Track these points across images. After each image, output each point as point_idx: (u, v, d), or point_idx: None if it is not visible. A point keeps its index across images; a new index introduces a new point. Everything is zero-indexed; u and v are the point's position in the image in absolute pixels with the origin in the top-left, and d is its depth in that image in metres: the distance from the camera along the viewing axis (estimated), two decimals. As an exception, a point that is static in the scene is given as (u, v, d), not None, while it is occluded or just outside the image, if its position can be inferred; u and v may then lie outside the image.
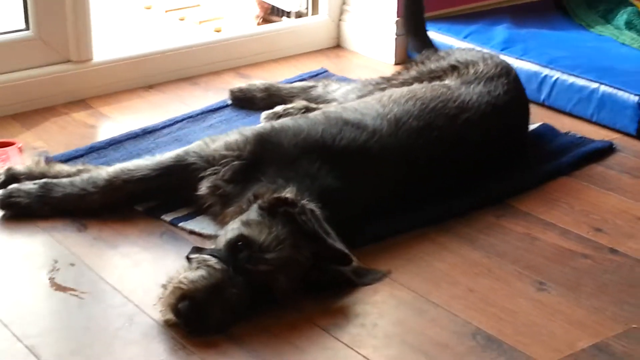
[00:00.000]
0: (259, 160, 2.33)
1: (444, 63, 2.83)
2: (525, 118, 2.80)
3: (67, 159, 2.72)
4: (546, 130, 2.95)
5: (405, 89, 2.67)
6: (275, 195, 2.14)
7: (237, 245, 2.04)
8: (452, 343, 1.97)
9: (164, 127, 2.95)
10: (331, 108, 2.66)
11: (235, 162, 2.34)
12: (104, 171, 2.46)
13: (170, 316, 1.99)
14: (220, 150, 2.39)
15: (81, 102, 3.18)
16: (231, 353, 1.93)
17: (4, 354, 1.91)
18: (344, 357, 1.92)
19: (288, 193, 2.14)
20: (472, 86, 2.67)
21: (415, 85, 2.71)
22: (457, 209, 2.48)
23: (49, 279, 2.17)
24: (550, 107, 3.15)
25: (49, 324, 2.03)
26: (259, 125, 2.46)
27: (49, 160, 2.61)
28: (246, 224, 2.08)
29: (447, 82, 2.71)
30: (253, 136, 2.38)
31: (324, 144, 2.36)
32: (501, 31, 3.46)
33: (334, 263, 2.13)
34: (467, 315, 2.06)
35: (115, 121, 3.04)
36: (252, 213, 2.12)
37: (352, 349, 1.95)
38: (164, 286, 2.02)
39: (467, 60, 2.80)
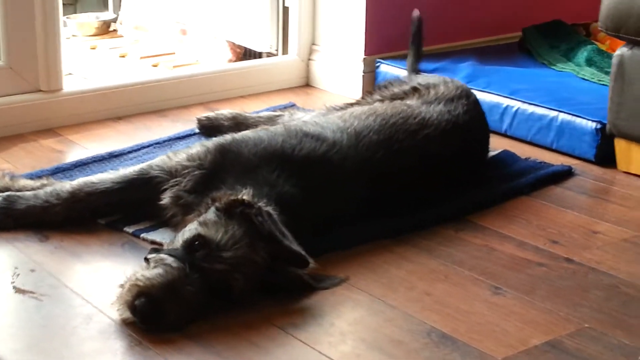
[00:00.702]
0: (220, 169, 2.37)
1: (405, 86, 2.90)
2: (484, 138, 2.86)
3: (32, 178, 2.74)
4: (507, 156, 3.01)
5: (366, 107, 2.74)
6: (232, 197, 2.17)
7: (194, 244, 2.07)
8: (407, 340, 1.99)
9: (130, 152, 2.99)
10: (292, 122, 2.71)
11: (197, 172, 2.38)
12: (67, 184, 2.49)
13: (127, 314, 2.00)
14: (182, 162, 2.43)
15: (50, 131, 3.22)
16: (188, 350, 1.94)
17: (-40, 349, 1.91)
18: (301, 354, 1.94)
19: (245, 195, 2.18)
20: (432, 106, 2.73)
21: (377, 104, 2.77)
22: (416, 223, 2.51)
23: (10, 282, 2.18)
24: (511, 137, 3.22)
25: (7, 321, 2.04)
26: (220, 137, 2.50)
27: (13, 177, 2.63)
28: (203, 224, 2.11)
29: (408, 102, 2.77)
30: (214, 146, 2.42)
31: (284, 153, 2.40)
32: (466, 67, 3.54)
33: (291, 265, 2.15)
34: (423, 315, 2.09)
35: (83, 147, 3.08)
36: (210, 214, 2.15)
37: (308, 345, 1.96)
38: (122, 285, 2.04)
39: (429, 83, 2.87)
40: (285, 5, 3.85)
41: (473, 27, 3.96)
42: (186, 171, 2.40)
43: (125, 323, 2.00)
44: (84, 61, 4.28)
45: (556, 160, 3.01)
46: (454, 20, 3.89)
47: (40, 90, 3.25)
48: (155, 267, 2.03)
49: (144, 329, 1.98)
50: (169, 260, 2.03)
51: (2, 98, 3.18)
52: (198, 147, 2.48)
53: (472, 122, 2.79)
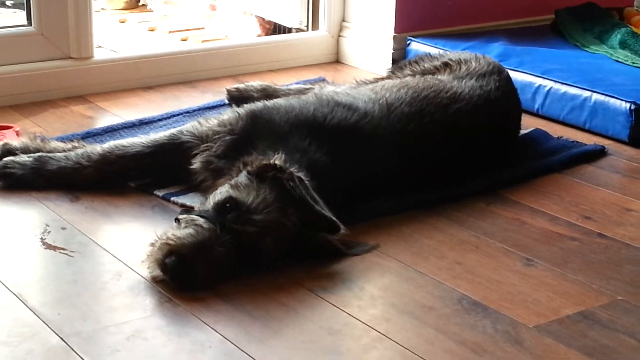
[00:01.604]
0: (251, 135, 2.35)
1: (437, 62, 2.88)
2: (516, 114, 2.84)
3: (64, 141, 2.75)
4: (539, 135, 2.98)
5: (397, 80, 2.72)
6: (264, 161, 2.16)
7: (225, 206, 2.06)
8: (438, 306, 1.97)
9: (160, 120, 2.99)
10: (324, 91, 2.70)
11: (227, 137, 2.37)
12: (98, 147, 2.49)
13: (157, 272, 2.00)
14: (213, 127, 2.42)
15: (80, 97, 3.22)
16: (217, 307, 1.93)
17: (-8, 300, 1.92)
18: (330, 316, 1.93)
19: (277, 160, 2.16)
20: (464, 80, 2.71)
21: (408, 78, 2.75)
22: (447, 195, 2.50)
23: (40, 239, 2.18)
24: (543, 116, 3.19)
25: (38, 275, 2.04)
26: (251, 104, 2.49)
27: (44, 139, 2.63)
28: (235, 187, 2.10)
29: (439, 77, 2.75)
30: (245, 113, 2.41)
31: (315, 121, 2.38)
32: (497, 47, 3.51)
33: (322, 230, 2.14)
34: (453, 283, 2.07)
35: (113, 114, 3.08)
36: (241, 177, 2.14)
37: (338, 307, 1.95)
38: (152, 244, 2.03)
39: (460, 59, 2.85)
40: (315, -9, 3.84)
41: (504, 9, 3.92)
42: (217, 136, 2.39)
43: (155, 281, 2.00)
44: (113, 34, 4.28)
45: (589, 140, 2.98)
46: (486, 1, 3.86)
47: (71, 58, 3.25)
48: (186, 227, 2.03)
49: (174, 287, 1.97)
50: (200, 220, 2.02)
51: (33, 64, 3.18)
52: (229, 113, 2.47)
53: (504, 98, 2.76)
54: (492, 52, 3.44)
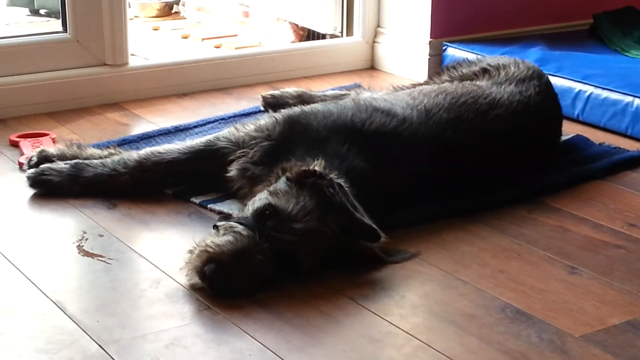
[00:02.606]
0: (288, 141, 2.33)
1: (475, 67, 2.84)
2: (557, 120, 2.79)
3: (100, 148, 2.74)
4: (580, 141, 2.93)
5: (435, 85, 2.68)
6: (304, 167, 2.13)
7: (265, 213, 2.03)
8: (480, 314, 1.93)
9: (195, 126, 2.98)
10: (361, 96, 2.66)
11: (265, 143, 2.34)
12: (134, 154, 2.47)
13: (196, 280, 1.97)
14: (250, 133, 2.40)
15: (115, 105, 3.21)
16: (256, 316, 1.90)
17: (32, 308, 1.91)
18: (370, 324, 1.89)
19: (316, 166, 2.13)
20: (503, 86, 2.67)
21: (446, 84, 2.71)
22: (488, 202, 2.45)
23: (77, 246, 2.17)
24: (584, 122, 3.14)
25: (76, 283, 2.03)
26: (288, 109, 2.46)
27: (80, 146, 2.62)
28: (274, 193, 2.07)
29: (478, 82, 2.71)
30: (283, 118, 2.39)
31: (354, 127, 2.35)
32: (535, 52, 3.46)
33: (362, 238, 2.11)
34: (496, 292, 2.03)
35: (148, 121, 3.07)
36: (280, 184, 2.11)
37: (378, 316, 1.92)
38: (191, 251, 2.01)
39: (499, 64, 2.81)
40: (351, -6, 3.81)
41: (542, 13, 3.87)
42: (254, 142, 2.37)
43: (193, 288, 1.97)
44: (147, 42, 4.28)
45: (631, 146, 2.92)
46: (523, 6, 3.82)
47: (106, 64, 3.24)
48: (224, 234, 2.00)
49: (213, 295, 1.94)
50: (239, 228, 2.00)
51: (68, 71, 3.18)
52: (266, 118, 2.44)
53: (544, 104, 2.72)
54: (530, 57, 3.38)
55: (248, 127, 2.44)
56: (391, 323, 1.89)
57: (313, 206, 2.05)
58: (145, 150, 2.48)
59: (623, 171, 2.74)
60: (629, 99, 3.02)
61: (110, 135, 2.89)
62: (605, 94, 3.09)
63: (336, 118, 2.37)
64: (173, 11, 4.86)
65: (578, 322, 1.92)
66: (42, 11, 5.74)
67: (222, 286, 1.94)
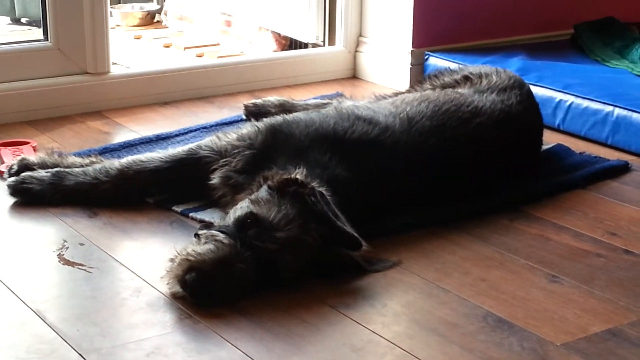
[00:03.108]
0: (270, 150, 2.33)
1: (456, 76, 2.85)
2: (538, 129, 2.80)
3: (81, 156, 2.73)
4: (561, 150, 2.94)
5: (417, 93, 2.69)
6: (285, 176, 2.13)
7: (246, 222, 2.03)
8: (462, 323, 1.94)
9: (177, 135, 2.97)
10: (343, 105, 2.67)
11: (247, 152, 2.34)
12: (116, 162, 2.46)
13: (177, 288, 1.96)
14: (232, 142, 2.39)
15: (97, 113, 3.20)
16: (238, 324, 1.90)
17: (12, 316, 1.90)
18: (353, 333, 1.89)
19: (298, 174, 2.13)
20: (485, 95, 2.68)
21: (428, 92, 2.72)
22: (469, 211, 2.46)
23: (58, 255, 2.16)
24: (565, 132, 3.15)
25: (56, 292, 2.02)
26: (270, 118, 2.46)
27: (62, 154, 2.61)
28: (255, 202, 2.07)
29: (460, 90, 2.72)
30: (265, 127, 2.39)
31: (336, 135, 2.35)
32: (516, 61, 3.48)
33: (343, 246, 2.11)
34: (478, 300, 2.03)
35: (130, 130, 3.06)
36: (262, 192, 2.11)
37: (361, 324, 1.91)
38: (172, 260, 2.00)
39: (481, 73, 2.82)
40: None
41: (523, 23, 3.89)
42: (236, 151, 2.37)
43: (174, 297, 1.97)
44: (128, 51, 4.27)
45: (612, 155, 2.94)
46: (504, 16, 3.83)
47: (88, 73, 3.23)
48: (206, 242, 2.00)
49: (194, 304, 1.93)
50: (221, 236, 1.99)
51: (50, 79, 3.17)
52: (248, 127, 2.44)
53: (525, 113, 2.73)
54: (511, 67, 3.40)
55: (230, 135, 2.43)
56: (373, 332, 1.89)
57: (294, 214, 2.05)
58: (127, 159, 2.47)
59: (603, 180, 2.75)
60: (609, 108, 3.04)
61: (92, 144, 2.88)
62: (585, 103, 3.11)
63: (318, 127, 2.37)
64: (155, 20, 4.86)
65: (559, 330, 1.92)
66: (23, 20, 5.72)
67: (204, 295, 1.93)
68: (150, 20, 4.83)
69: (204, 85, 3.45)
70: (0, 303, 1.94)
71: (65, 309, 1.93)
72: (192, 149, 2.47)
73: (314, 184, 2.13)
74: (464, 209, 2.46)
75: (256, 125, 2.42)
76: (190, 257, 1.95)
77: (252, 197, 2.11)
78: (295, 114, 2.48)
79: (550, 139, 3.00)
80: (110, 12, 4.52)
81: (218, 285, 1.94)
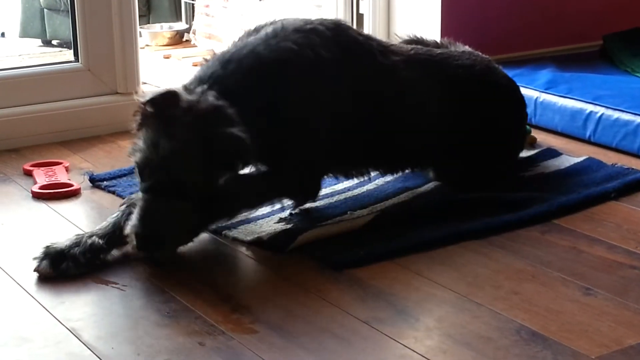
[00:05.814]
0: None
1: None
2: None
3: (111, 177, 2.76)
4: (592, 163, 2.91)
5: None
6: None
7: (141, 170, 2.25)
8: (495, 336, 1.93)
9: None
10: None
11: None
12: None
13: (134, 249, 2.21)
14: None
15: (127, 133, 3.19)
16: (270, 339, 1.89)
17: (47, 335, 1.91)
18: (385, 347, 1.89)
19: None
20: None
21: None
22: (500, 224, 2.45)
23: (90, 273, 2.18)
24: (595, 143, 3.14)
25: (90, 310, 2.03)
26: None
27: (92, 179, 2.64)
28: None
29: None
30: None
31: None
32: (545, 74, 3.47)
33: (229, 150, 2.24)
34: (511, 313, 2.02)
35: (160, 148, 3.06)
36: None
37: (393, 339, 1.91)
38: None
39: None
40: (360, 12, 3.83)
41: (552, 36, 3.89)
42: None
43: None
44: (158, 70, 4.30)
45: (644, 166, 2.92)
46: (532, 29, 3.83)
47: (118, 93, 3.26)
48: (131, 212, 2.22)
49: (230, 320, 1.95)
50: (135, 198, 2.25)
51: (81, 100, 3.21)
52: None
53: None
54: (540, 79, 3.41)
55: None
56: (406, 346, 1.88)
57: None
58: None
59: (636, 192, 2.73)
60: (640, 119, 3.02)
61: (123, 164, 2.90)
62: (616, 114, 3.09)
63: None
64: (184, 39, 4.90)
65: (594, 343, 1.91)
66: (54, 42, 5.78)
67: (151, 246, 2.17)
68: (179, 39, 4.87)
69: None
70: (35, 322, 1.96)
71: (100, 327, 1.94)
72: None
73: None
74: (495, 222, 2.45)
75: None
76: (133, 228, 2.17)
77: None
78: None
79: (581, 151, 2.99)
80: (140, 32, 4.58)
81: (162, 235, 2.16)
